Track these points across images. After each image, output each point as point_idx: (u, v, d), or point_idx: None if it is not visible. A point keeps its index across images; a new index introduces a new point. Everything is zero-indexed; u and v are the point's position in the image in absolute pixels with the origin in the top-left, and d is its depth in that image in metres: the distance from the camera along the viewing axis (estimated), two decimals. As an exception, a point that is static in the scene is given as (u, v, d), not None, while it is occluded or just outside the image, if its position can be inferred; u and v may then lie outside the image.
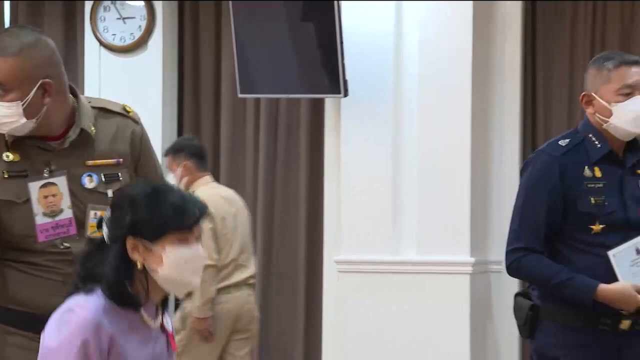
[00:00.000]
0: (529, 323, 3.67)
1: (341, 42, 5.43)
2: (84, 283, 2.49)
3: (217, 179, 6.02)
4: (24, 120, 2.94)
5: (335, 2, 5.40)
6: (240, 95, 5.83)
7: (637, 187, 3.64)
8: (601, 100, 3.56)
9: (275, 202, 6.20)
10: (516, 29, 5.77)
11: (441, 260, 5.48)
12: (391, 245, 5.56)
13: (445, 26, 5.58)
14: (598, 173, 3.60)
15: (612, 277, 3.60)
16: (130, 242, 2.47)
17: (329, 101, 5.83)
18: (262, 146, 6.21)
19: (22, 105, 2.92)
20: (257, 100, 6.11)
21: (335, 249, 5.73)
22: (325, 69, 5.54)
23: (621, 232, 3.56)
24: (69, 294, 2.52)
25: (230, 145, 6.42)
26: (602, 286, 3.52)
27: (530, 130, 5.87)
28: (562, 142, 3.62)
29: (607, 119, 3.55)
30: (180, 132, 6.46)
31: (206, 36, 6.35)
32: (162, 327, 2.58)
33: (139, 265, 2.48)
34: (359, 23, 5.62)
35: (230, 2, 5.71)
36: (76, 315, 2.44)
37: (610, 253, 3.55)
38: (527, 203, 3.63)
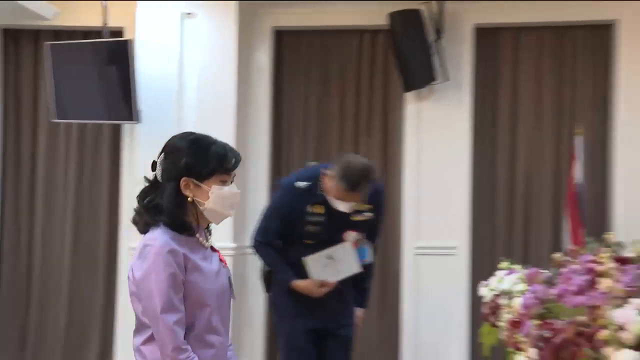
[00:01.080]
0: (266, 282, 4.46)
1: (134, 81, 5.58)
2: (150, 216, 2.70)
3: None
4: None
5: (129, 50, 5.54)
6: (55, 120, 5.97)
7: (346, 221, 4.27)
8: (333, 187, 4.16)
9: (82, 204, 6.33)
10: (267, 75, 6.11)
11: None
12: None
13: (216, 71, 5.83)
14: (319, 209, 4.23)
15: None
16: (183, 181, 2.69)
17: (127, 126, 6.04)
18: (72, 161, 6.31)
19: None
20: (69, 124, 6.26)
21: (128, 240, 5.99)
22: (123, 100, 5.65)
23: (326, 244, 4.27)
24: (143, 231, 2.72)
25: (46, 159, 6.46)
26: (296, 281, 4.27)
27: (277, 152, 6.17)
28: (302, 184, 4.21)
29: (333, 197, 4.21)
30: (5, 149, 6.52)
31: (27, 73, 6.45)
32: (212, 248, 2.83)
33: (190, 199, 2.69)
34: (151, 66, 5.80)
35: (48, 47, 5.88)
36: (152, 247, 2.64)
37: (306, 258, 4.22)
38: (270, 216, 4.31)
